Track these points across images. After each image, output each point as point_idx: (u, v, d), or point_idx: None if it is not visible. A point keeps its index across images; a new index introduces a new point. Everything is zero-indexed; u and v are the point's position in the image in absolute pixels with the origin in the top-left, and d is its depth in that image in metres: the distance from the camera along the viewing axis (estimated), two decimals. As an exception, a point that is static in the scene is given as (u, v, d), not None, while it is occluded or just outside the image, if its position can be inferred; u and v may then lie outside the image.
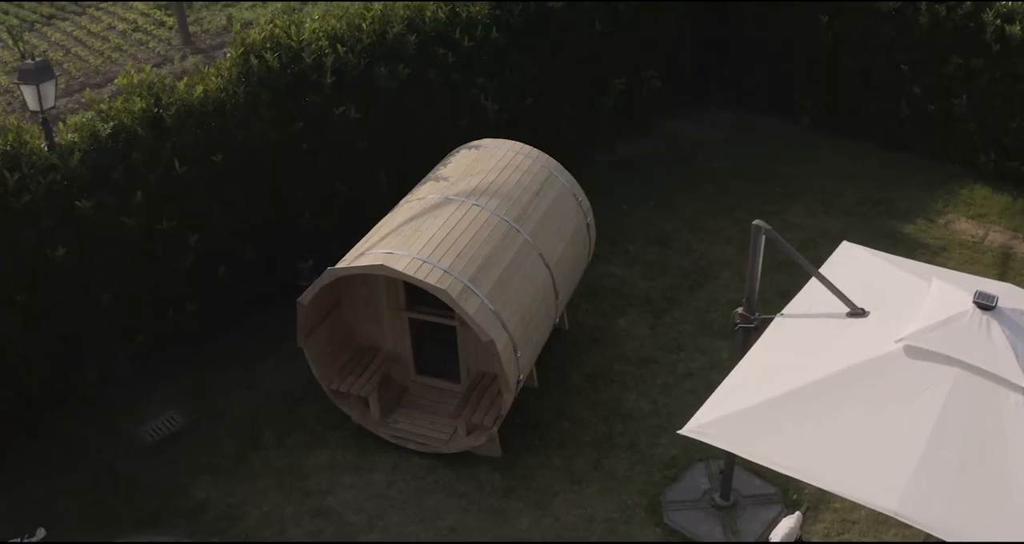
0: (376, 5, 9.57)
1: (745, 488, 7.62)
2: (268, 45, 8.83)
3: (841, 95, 12.58)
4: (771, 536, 6.34)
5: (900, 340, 5.26)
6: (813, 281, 6.41)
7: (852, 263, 6.44)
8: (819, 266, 10.15)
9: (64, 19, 18.48)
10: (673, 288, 10.10)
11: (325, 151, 9.36)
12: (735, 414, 5.33)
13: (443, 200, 7.87)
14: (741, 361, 5.88)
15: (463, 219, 7.62)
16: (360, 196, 9.73)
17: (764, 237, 6.05)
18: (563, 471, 7.89)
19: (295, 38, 8.96)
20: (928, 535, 6.58)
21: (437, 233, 7.41)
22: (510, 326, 7.19)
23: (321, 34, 9.14)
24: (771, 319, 6.21)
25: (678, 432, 5.40)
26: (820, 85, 12.69)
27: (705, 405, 5.58)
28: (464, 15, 10.19)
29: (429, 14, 9.94)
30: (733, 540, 7.18)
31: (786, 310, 6.24)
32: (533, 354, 7.70)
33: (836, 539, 7.20)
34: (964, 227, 11.00)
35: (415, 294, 7.96)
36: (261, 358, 9.21)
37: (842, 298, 5.83)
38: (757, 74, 13.21)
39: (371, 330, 8.29)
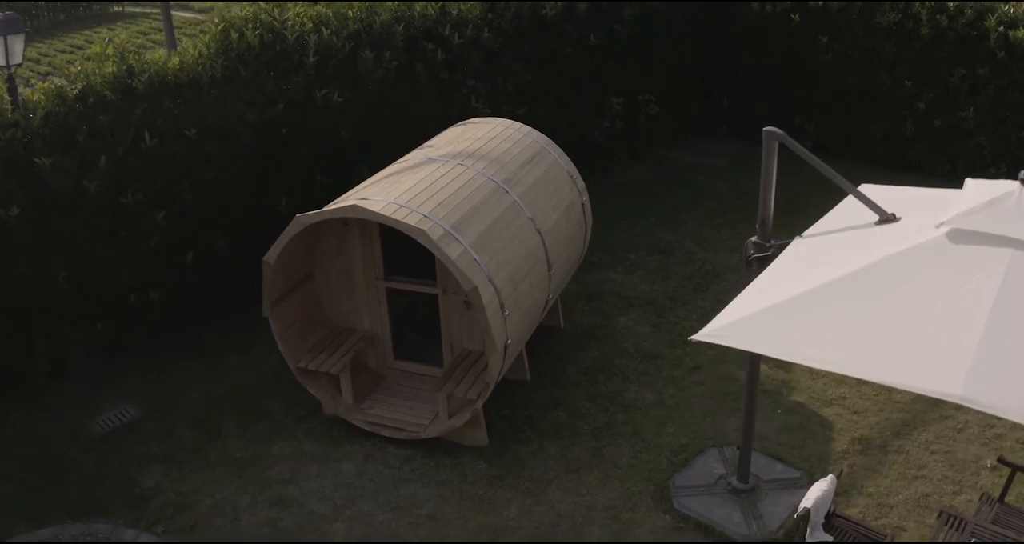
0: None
1: (766, 473, 6.71)
2: (249, 24, 8.48)
3: (844, 117, 12.23)
4: (802, 502, 5.42)
5: (942, 225, 4.58)
6: (830, 212, 5.82)
7: (874, 194, 5.81)
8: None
9: (60, 76, 18.46)
10: (676, 290, 9.40)
11: (306, 138, 8.87)
12: (756, 314, 4.59)
13: (426, 160, 7.30)
14: (759, 276, 5.16)
15: (446, 175, 7.03)
16: (342, 190, 9.14)
17: (777, 143, 5.44)
18: (558, 459, 6.99)
19: (278, 18, 8.63)
20: (976, 527, 5.67)
21: (417, 184, 6.81)
22: (496, 281, 6.48)
23: (306, 18, 8.82)
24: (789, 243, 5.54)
25: (690, 338, 4.62)
26: (822, 109, 12.37)
27: (719, 316, 4.83)
28: (455, 13, 9.92)
29: (419, 10, 9.67)
30: (755, 525, 6.22)
31: (805, 233, 5.58)
32: (523, 324, 6.93)
33: (873, 523, 6.24)
34: (983, 235, 10.40)
35: (393, 262, 7.29)
36: (229, 355, 8.42)
37: (870, 204, 5.18)
38: (757, 102, 12.92)
39: (346, 307, 7.55)
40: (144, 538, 6.27)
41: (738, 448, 6.50)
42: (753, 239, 5.76)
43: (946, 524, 5.31)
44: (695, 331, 8.49)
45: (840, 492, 6.46)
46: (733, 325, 4.56)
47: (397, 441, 7.17)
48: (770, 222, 5.71)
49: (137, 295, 8.16)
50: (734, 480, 6.55)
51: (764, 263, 5.72)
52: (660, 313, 8.99)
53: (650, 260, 10.07)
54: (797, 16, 11.93)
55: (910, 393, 7.53)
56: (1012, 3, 10.50)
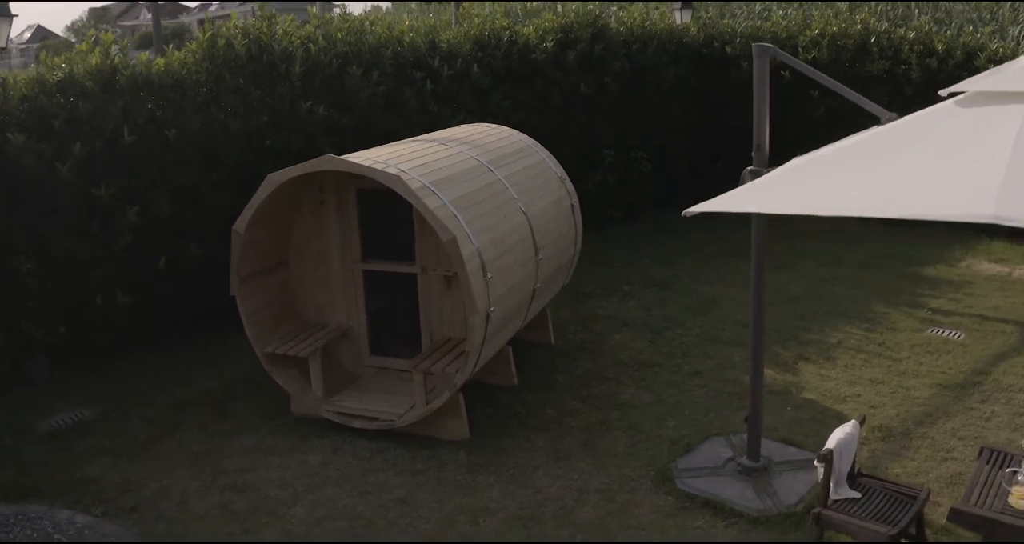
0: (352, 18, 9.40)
1: (779, 455, 6.04)
2: (239, 34, 8.49)
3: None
4: (827, 444, 4.78)
5: (949, 93, 4.25)
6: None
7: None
8: (833, 306, 9.07)
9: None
10: (674, 315, 8.93)
11: (290, 153, 8.66)
12: (754, 185, 4.17)
13: (408, 141, 7.06)
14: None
15: (429, 148, 6.77)
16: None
17: (770, 58, 5.19)
18: (546, 450, 6.31)
19: (266, 33, 8.64)
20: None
21: (398, 150, 6.54)
22: (477, 241, 6.06)
23: (294, 37, 8.84)
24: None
25: (683, 213, 4.16)
26: (816, 164, 12.26)
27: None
28: (444, 46, 9.99)
29: (408, 40, 9.75)
30: (770, 501, 5.49)
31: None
32: (508, 301, 6.43)
33: (901, 500, 5.51)
34: (987, 267, 10.03)
35: (371, 245, 6.90)
36: (198, 367, 7.88)
37: (869, 106, 4.86)
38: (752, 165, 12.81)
39: (320, 300, 7.07)
40: (79, 518, 5.54)
41: (746, 419, 5.84)
42: (749, 168, 5.40)
43: (988, 461, 4.65)
44: (695, 346, 8.09)
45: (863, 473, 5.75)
46: (728, 196, 4.13)
47: (369, 435, 6.51)
48: (766, 147, 5.39)
49: (104, 297, 7.70)
50: (744, 459, 5.87)
51: (762, 194, 5.34)
52: (656, 332, 8.48)
53: (645, 292, 9.64)
54: (787, 73, 12.02)
55: (928, 389, 6.97)
56: (1000, 42, 10.60)
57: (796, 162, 4.90)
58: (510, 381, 7.25)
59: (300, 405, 6.80)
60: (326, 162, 6.02)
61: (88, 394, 7.37)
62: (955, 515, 4.08)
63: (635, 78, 11.92)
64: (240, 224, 6.38)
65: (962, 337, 8.04)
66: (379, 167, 5.93)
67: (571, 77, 11.15)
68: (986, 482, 4.41)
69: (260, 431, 6.70)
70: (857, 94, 5.03)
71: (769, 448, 6.07)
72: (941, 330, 8.22)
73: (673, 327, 8.58)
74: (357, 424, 6.49)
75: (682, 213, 4.20)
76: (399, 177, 5.81)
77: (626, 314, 8.95)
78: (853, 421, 4.99)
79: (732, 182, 12.91)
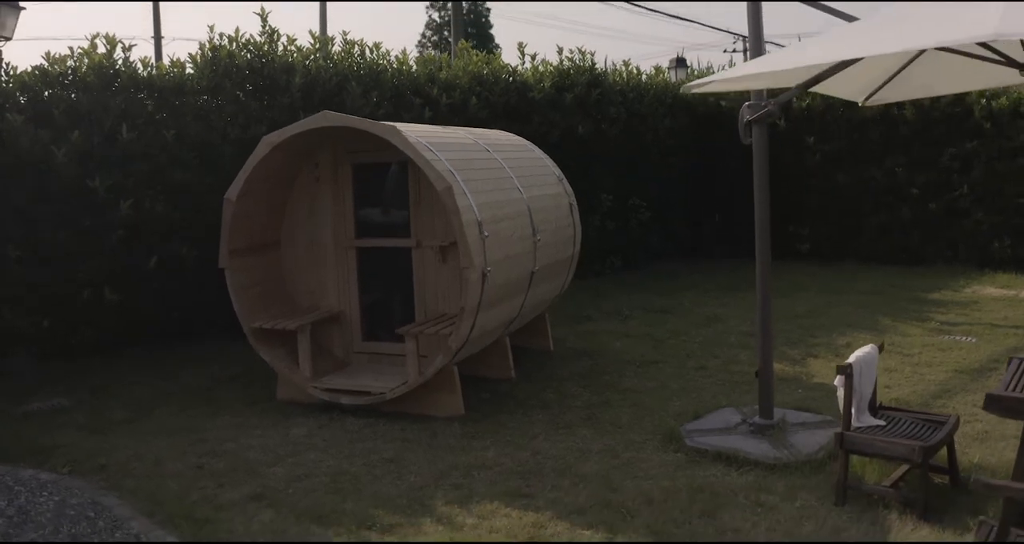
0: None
1: (793, 418, 5.68)
2: (241, 49, 8.62)
3: (839, 217, 12.10)
4: (847, 360, 4.50)
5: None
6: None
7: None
8: (839, 320, 8.86)
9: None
10: (677, 328, 8.69)
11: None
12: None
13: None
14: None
15: (427, 126, 6.74)
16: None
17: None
18: (546, 422, 5.95)
19: (268, 49, 8.77)
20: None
21: (396, 124, 6.48)
22: (473, 199, 5.92)
23: (297, 54, 8.98)
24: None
25: (682, 88, 4.04)
26: (815, 212, 12.27)
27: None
28: (443, 77, 10.15)
29: (406, 69, 9.90)
30: (786, 452, 5.12)
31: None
32: (505, 271, 6.21)
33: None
34: (992, 291, 9.85)
35: (367, 224, 6.75)
36: (184, 366, 7.58)
37: (842, 15, 4.84)
38: (750, 216, 12.80)
39: (312, 283, 6.86)
40: (44, 475, 5.15)
41: (757, 373, 5.52)
42: (747, 103, 5.31)
43: (1016, 370, 4.35)
44: (700, 349, 7.84)
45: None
46: (730, 72, 4.04)
47: (358, 412, 6.17)
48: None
49: (92, 292, 7.48)
50: (756, 418, 5.52)
51: (764, 129, 5.27)
52: (660, 340, 8.23)
53: (647, 316, 9.42)
54: (782, 121, 12.21)
55: (944, 374, 6.70)
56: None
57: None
58: (507, 374, 6.94)
59: (287, 388, 6.47)
60: (323, 118, 5.97)
61: (68, 386, 7.03)
62: (991, 402, 3.76)
63: (632, 126, 12.07)
64: (232, 192, 6.26)
65: (974, 341, 7.77)
66: (374, 122, 5.87)
67: (569, 119, 11.27)
68: (1020, 380, 4.12)
69: (244, 414, 6.34)
70: (841, 11, 5.02)
71: (783, 413, 5.73)
72: (953, 336, 7.97)
73: (676, 336, 8.32)
74: (346, 400, 6.15)
75: (681, 89, 4.09)
76: (395, 128, 5.74)
77: (628, 329, 8.70)
78: (871, 344, 4.71)
79: (733, 240, 12.94)
